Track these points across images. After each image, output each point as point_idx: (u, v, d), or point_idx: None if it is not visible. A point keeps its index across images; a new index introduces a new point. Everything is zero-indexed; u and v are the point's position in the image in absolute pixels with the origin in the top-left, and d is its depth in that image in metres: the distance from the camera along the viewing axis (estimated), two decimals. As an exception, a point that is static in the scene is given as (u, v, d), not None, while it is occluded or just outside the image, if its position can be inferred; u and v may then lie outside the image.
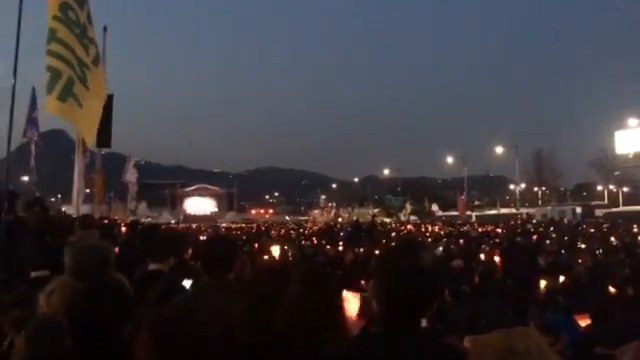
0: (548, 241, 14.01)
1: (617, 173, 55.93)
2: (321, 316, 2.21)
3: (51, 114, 5.75)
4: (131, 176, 27.40)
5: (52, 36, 5.62)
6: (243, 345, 2.34)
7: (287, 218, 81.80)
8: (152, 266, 3.89)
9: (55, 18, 5.70)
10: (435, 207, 63.60)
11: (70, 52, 5.80)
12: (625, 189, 54.57)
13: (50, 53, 5.56)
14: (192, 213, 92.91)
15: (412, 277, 1.70)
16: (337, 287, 2.41)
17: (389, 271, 1.77)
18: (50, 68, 5.52)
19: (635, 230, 20.15)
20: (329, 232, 23.47)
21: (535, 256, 8.80)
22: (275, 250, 9.47)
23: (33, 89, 15.35)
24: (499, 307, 4.55)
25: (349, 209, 73.09)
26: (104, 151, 13.34)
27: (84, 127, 6.34)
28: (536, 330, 1.57)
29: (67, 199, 17.24)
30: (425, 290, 1.73)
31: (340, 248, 12.24)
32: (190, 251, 5.03)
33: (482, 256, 9.11)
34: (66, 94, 5.63)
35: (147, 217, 48.39)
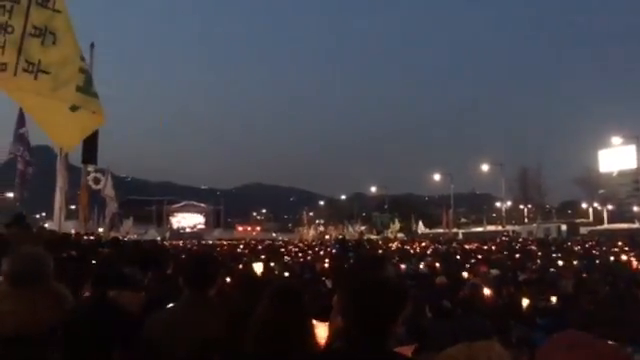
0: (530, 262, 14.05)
1: (602, 191, 56.58)
2: (290, 334, 2.17)
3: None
4: (109, 191, 26.82)
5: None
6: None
7: (274, 235, 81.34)
8: None
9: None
10: (418, 225, 63.64)
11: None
12: (609, 207, 55.12)
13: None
14: (179, 230, 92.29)
15: (372, 291, 1.71)
16: (306, 305, 2.36)
17: (351, 285, 1.77)
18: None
19: (618, 248, 20.31)
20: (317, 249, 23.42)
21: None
22: (259, 267, 9.38)
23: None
24: (482, 324, 4.56)
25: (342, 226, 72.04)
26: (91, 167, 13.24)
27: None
28: (499, 344, 1.59)
29: (51, 216, 17.02)
30: (386, 304, 1.72)
31: (327, 265, 12.19)
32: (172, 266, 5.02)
33: (465, 274, 9.13)
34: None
35: (133, 234, 47.78)
